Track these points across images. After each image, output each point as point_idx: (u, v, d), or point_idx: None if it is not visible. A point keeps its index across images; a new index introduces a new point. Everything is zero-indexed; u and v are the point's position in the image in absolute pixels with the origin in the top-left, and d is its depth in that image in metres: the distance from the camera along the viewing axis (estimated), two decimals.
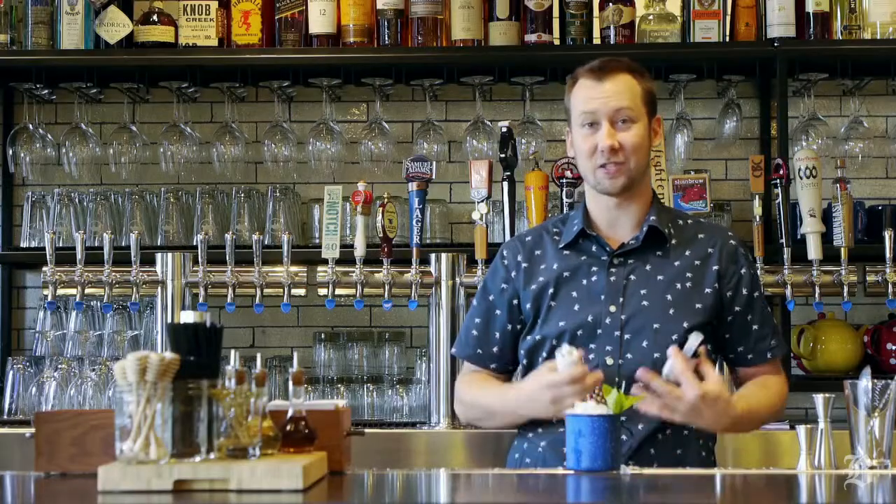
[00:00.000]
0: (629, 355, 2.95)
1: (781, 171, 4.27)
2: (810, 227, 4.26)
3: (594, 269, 3.03)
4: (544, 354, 3.02)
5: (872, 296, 4.38)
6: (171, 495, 2.24)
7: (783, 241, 4.28)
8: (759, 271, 4.24)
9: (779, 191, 4.28)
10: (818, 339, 4.47)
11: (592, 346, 2.97)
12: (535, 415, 2.95)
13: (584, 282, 3.03)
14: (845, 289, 4.24)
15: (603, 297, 3.00)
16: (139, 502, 2.22)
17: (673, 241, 3.05)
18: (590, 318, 2.99)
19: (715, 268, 3.03)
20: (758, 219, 4.29)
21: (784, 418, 4.37)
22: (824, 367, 4.47)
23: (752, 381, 3.08)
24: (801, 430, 2.68)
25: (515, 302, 3.09)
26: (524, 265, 3.09)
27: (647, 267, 3.03)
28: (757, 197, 4.32)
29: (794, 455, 2.72)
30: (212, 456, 2.34)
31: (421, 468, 3.80)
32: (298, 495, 2.26)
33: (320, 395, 4.43)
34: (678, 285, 3.01)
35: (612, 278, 3.01)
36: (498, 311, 3.11)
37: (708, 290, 3.01)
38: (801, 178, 4.27)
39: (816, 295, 4.26)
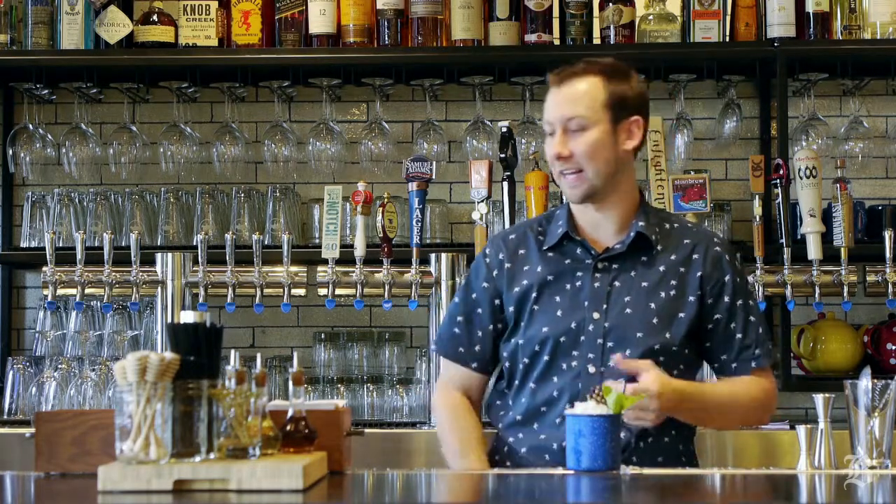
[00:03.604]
0: (611, 364, 2.90)
1: (781, 171, 4.27)
2: (810, 227, 4.26)
3: (578, 273, 2.99)
4: (525, 360, 2.99)
5: (872, 296, 4.38)
6: (171, 495, 2.24)
7: (783, 241, 4.28)
8: (759, 272, 4.26)
9: (779, 191, 4.28)
10: (818, 339, 4.47)
11: (575, 353, 2.94)
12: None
13: (568, 287, 2.98)
14: (845, 289, 4.24)
15: (587, 303, 2.96)
16: (139, 502, 2.22)
17: (659, 247, 3.00)
18: (573, 325, 2.95)
19: (698, 274, 2.99)
20: (758, 219, 4.29)
21: (783, 419, 4.38)
22: (824, 367, 4.47)
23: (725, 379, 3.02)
24: (801, 430, 2.68)
25: (497, 302, 3.05)
26: (507, 265, 3.05)
27: (632, 273, 2.98)
28: (757, 197, 4.32)
29: (794, 455, 2.73)
30: (212, 456, 2.34)
31: (421, 468, 3.79)
32: (298, 495, 2.26)
33: (320, 395, 4.43)
34: (662, 293, 2.97)
35: (597, 284, 2.97)
36: (480, 310, 3.07)
37: (691, 299, 2.97)
38: (801, 178, 4.27)
39: (816, 295, 4.26)
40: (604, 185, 2.96)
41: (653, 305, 2.96)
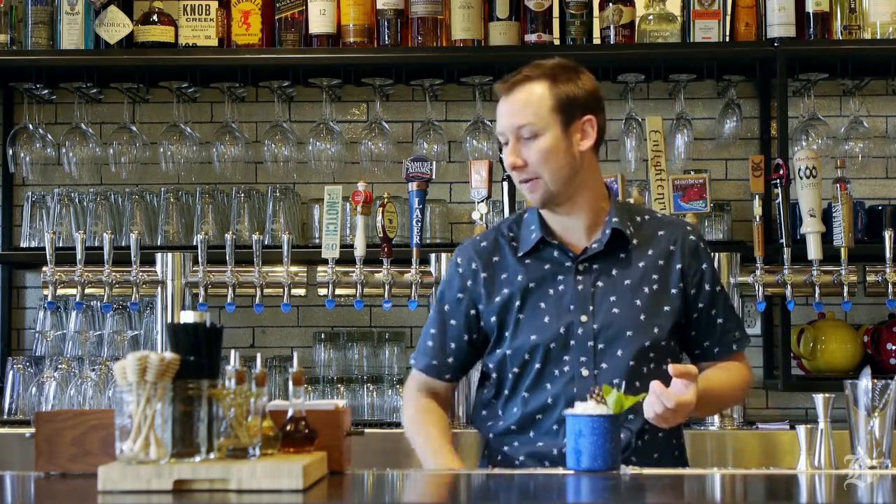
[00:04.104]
0: (604, 365, 2.91)
1: (781, 171, 4.27)
2: (810, 227, 4.26)
3: (559, 277, 2.97)
4: (515, 370, 2.97)
5: (872, 296, 4.39)
6: (171, 495, 2.24)
7: (783, 241, 4.28)
8: (759, 272, 4.26)
9: (779, 191, 4.28)
10: (818, 339, 4.47)
11: (566, 357, 2.93)
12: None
13: (551, 291, 2.96)
14: (845, 289, 4.24)
15: (572, 306, 2.94)
16: (139, 502, 2.21)
17: (635, 242, 2.99)
18: (561, 330, 2.93)
19: (678, 266, 2.99)
20: (758, 219, 4.29)
21: (783, 419, 4.38)
22: (824, 367, 4.47)
23: (715, 366, 3.02)
24: (801, 430, 2.68)
25: (473, 312, 3.02)
26: (483, 275, 3.01)
27: (613, 272, 2.97)
28: (757, 197, 4.32)
29: (794, 455, 2.72)
30: (212, 456, 2.34)
31: (421, 468, 3.79)
32: (298, 495, 2.26)
33: (320, 395, 4.43)
34: (645, 289, 2.96)
35: (580, 287, 2.95)
36: (453, 322, 3.04)
37: (674, 291, 2.98)
38: (801, 178, 4.27)
39: (816, 295, 4.26)
40: (563, 188, 2.94)
41: (638, 302, 2.95)
